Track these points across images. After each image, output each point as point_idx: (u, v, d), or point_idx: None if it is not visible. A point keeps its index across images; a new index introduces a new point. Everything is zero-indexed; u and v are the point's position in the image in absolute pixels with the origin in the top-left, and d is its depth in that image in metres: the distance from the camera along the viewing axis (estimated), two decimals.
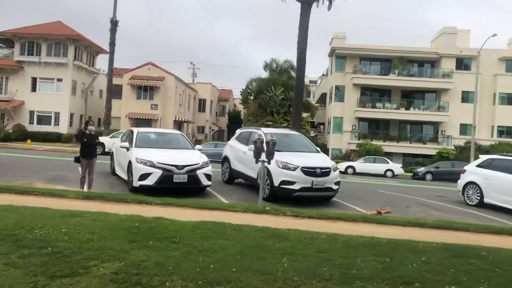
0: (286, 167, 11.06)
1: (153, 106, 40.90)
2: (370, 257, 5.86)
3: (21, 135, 36.59)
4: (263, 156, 10.10)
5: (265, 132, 11.78)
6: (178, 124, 44.84)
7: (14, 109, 38.88)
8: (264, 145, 10.14)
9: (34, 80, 39.78)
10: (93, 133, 10.88)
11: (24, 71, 39.58)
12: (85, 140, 10.57)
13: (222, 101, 61.17)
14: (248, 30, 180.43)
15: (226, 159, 14.18)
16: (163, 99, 41.35)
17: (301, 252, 5.91)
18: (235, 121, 53.45)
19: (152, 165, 11.05)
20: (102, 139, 25.14)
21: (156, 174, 10.97)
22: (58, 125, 39.35)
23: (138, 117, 40.18)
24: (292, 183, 10.98)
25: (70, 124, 40.07)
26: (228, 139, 53.05)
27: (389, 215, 10.66)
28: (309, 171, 11.07)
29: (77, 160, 10.66)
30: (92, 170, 10.73)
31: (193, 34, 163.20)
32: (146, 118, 40.18)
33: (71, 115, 40.33)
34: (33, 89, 39.77)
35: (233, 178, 13.91)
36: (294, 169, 11.03)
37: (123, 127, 38.04)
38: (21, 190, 9.55)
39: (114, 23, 31.85)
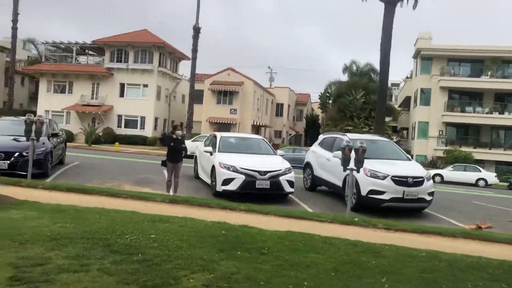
0: (374, 175, 10.44)
1: (232, 110, 41.52)
2: (483, 281, 5.18)
3: (110, 138, 38.77)
4: (352, 164, 9.58)
5: (352, 138, 11.23)
6: (256, 129, 45.15)
7: (104, 113, 41.33)
8: (353, 152, 9.63)
9: (122, 86, 42.03)
10: (179, 137, 11.01)
11: (113, 78, 41.97)
12: (171, 144, 10.72)
13: (300, 105, 60.77)
14: (326, 33, 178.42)
15: (308, 166, 13.77)
16: (241, 103, 41.87)
17: (401, 271, 5.38)
18: (312, 126, 52.83)
19: (235, 170, 10.96)
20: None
21: (239, 179, 10.86)
22: (143, 128, 41.21)
23: (218, 122, 41.00)
24: (381, 192, 10.33)
25: (155, 128, 41.81)
26: (306, 143, 52.71)
27: (491, 230, 9.65)
28: (400, 180, 10.35)
29: (163, 163, 10.84)
30: (178, 174, 10.86)
31: (271, 39, 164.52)
32: (225, 122, 40.89)
33: (156, 119, 42.08)
34: (121, 94, 42.02)
35: (315, 185, 13.46)
36: (384, 178, 10.38)
37: (203, 131, 38.97)
38: (111, 192, 9.85)
39: (196, 30, 32.74)
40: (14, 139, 11.97)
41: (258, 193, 11.11)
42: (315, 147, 13.92)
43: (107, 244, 5.44)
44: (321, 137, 14.21)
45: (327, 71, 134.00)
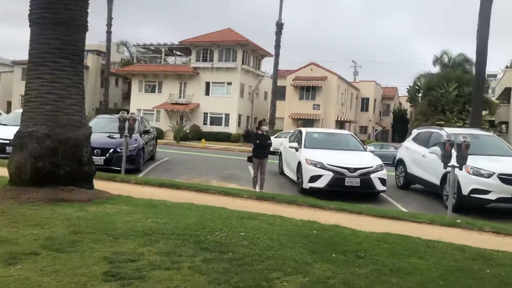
0: (478, 173, 9.48)
1: (315, 106, 40.86)
2: None
3: (197, 134, 40.01)
4: (453, 161, 8.74)
5: (452, 133, 10.30)
6: (340, 124, 44.08)
7: (191, 112, 42.72)
8: (454, 148, 8.78)
9: (207, 84, 43.15)
10: (265, 133, 10.83)
11: (199, 77, 43.22)
12: (257, 141, 10.56)
13: (386, 99, 58.36)
14: (414, 23, 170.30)
15: (400, 162, 12.94)
16: (325, 98, 41.07)
17: None
18: (400, 121, 50.48)
19: (323, 167, 10.55)
20: None
21: (327, 176, 10.44)
22: (228, 125, 42.00)
23: (301, 117, 40.56)
24: (486, 192, 9.35)
25: (238, 125, 42.43)
26: (393, 139, 50.49)
27: None
28: (508, 179, 9.29)
29: (249, 160, 10.74)
30: (264, 170, 10.69)
31: (355, 32, 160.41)
32: (308, 118, 40.35)
33: (239, 116, 42.68)
34: (207, 92, 43.16)
35: (408, 183, 12.61)
36: (489, 176, 9.38)
37: (286, 128, 38.81)
38: (199, 187, 9.90)
39: (279, 26, 32.57)
40: (109, 136, 12.56)
41: (347, 191, 10.61)
42: (409, 143, 13.05)
43: (197, 241, 5.33)
44: (415, 132, 13.29)
45: (415, 63, 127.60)
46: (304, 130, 12.94)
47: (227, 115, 42.24)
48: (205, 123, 42.74)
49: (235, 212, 7.09)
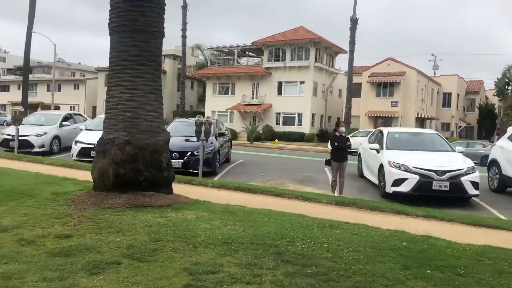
0: None
1: (393, 103, 39.13)
2: None
3: (270, 135, 39.99)
4: None
5: None
6: (420, 121, 41.93)
7: (263, 112, 42.80)
8: None
9: (279, 84, 42.98)
10: (343, 134, 10.34)
11: (271, 77, 43.18)
12: (335, 143, 10.09)
13: (471, 93, 54.59)
14: (498, 11, 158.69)
15: (494, 163, 11.83)
16: (403, 95, 39.22)
17: None
18: (487, 116, 47.08)
19: (407, 170, 9.86)
20: None
21: (412, 180, 9.73)
22: (301, 125, 41.55)
23: (378, 115, 39.09)
24: None
25: (312, 124, 41.83)
26: (480, 136, 47.16)
27: None
28: None
29: (327, 163, 10.29)
30: (343, 173, 10.20)
31: (434, 24, 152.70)
32: (386, 116, 38.77)
33: (313, 115, 42.05)
34: (279, 92, 42.99)
35: (504, 186, 11.49)
36: None
37: (362, 126, 37.59)
38: (276, 192, 9.64)
39: (354, 21, 31.62)
40: (186, 140, 12.72)
41: (435, 195, 9.84)
42: (504, 142, 11.89)
43: (277, 251, 5.07)
44: (510, 130, 12.09)
45: (503, 54, 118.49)
46: (385, 130, 12.24)
47: (300, 115, 41.79)
48: (277, 123, 42.61)
49: (316, 220, 6.74)
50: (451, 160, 10.30)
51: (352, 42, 32.70)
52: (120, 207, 6.70)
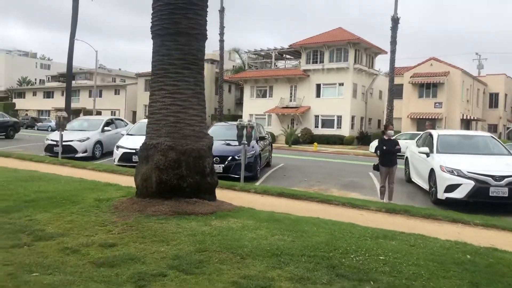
0: None
1: (437, 104, 37.73)
2: None
3: (308, 138, 39.46)
4: None
5: None
6: (466, 123, 40.31)
7: (301, 115, 42.32)
8: None
9: (318, 86, 42.39)
10: (392, 138, 9.84)
11: (309, 79, 42.65)
12: (384, 147, 9.61)
13: None
14: None
15: None
16: (447, 96, 37.77)
17: None
18: None
19: (461, 175, 9.28)
20: None
21: (467, 185, 9.14)
22: (340, 127, 40.80)
23: (420, 117, 37.83)
24: None
25: (352, 127, 41.00)
26: None
27: None
28: None
29: (376, 168, 9.81)
30: (393, 179, 9.69)
31: (478, 21, 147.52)
32: (429, 117, 37.45)
33: (352, 118, 41.22)
34: (317, 95, 42.40)
35: None
36: None
37: (404, 129, 36.51)
38: (321, 198, 9.29)
39: (395, 21, 30.75)
40: (226, 144, 12.53)
41: (493, 202, 9.21)
42: None
43: (330, 264, 4.74)
44: None
45: None
46: (435, 132, 11.63)
47: (339, 117, 41.04)
48: (316, 126, 42.01)
49: (368, 229, 6.34)
50: (509, 164, 9.63)
51: (393, 42, 31.80)
52: (164, 215, 6.53)
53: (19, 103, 69.86)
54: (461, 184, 9.22)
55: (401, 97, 38.53)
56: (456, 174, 9.34)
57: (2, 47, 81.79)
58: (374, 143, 28.25)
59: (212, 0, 7.65)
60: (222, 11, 40.98)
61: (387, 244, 5.60)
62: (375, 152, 10.07)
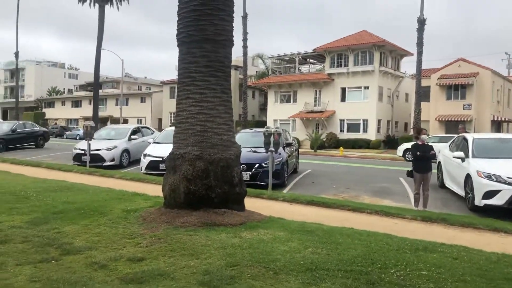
0: None
1: (466, 106, 36.71)
2: None
3: (334, 142, 38.98)
4: None
5: None
6: (497, 125, 39.10)
7: (326, 119, 41.87)
8: None
9: (343, 90, 41.90)
10: (425, 143, 9.45)
11: (334, 83, 42.19)
12: (417, 153, 9.22)
13: None
14: None
15: None
16: (477, 97, 36.71)
17: None
18: None
19: (501, 180, 8.83)
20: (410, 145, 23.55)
21: (508, 191, 8.70)
22: (366, 131, 40.17)
23: (449, 119, 36.87)
24: None
25: (378, 130, 40.32)
26: None
27: None
28: None
29: (409, 174, 9.42)
30: (427, 186, 9.29)
31: (507, 20, 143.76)
32: (458, 120, 36.47)
33: (378, 121, 40.54)
34: (342, 98, 41.89)
35: None
36: None
37: (432, 132, 35.63)
38: (352, 206, 8.98)
39: (421, 22, 30.10)
40: (253, 151, 12.33)
41: None
42: None
43: (370, 280, 4.46)
44: None
45: None
46: (469, 136, 11.15)
47: (365, 121, 40.43)
48: (341, 130, 41.48)
49: (406, 240, 6.02)
50: None
51: (420, 44, 31.11)
52: (192, 226, 6.36)
53: (49, 113, 71.50)
54: (500, 190, 8.77)
55: (429, 99, 37.65)
56: (494, 179, 8.90)
57: (32, 58, 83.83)
58: (402, 147, 27.78)
59: (234, 7, 7.45)
60: (245, 17, 40.97)
61: (428, 257, 5.28)
62: (403, 156, 9.71)
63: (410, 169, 9.41)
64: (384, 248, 5.60)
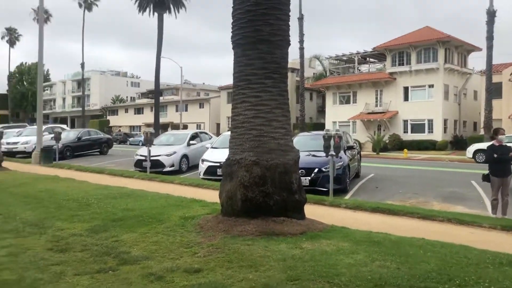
0: None
1: None
2: None
3: (397, 144, 37.51)
4: None
5: None
6: None
7: (389, 120, 40.43)
8: None
9: (405, 89, 40.30)
10: (504, 144, 8.60)
11: (396, 82, 40.68)
12: (495, 155, 8.40)
13: None
14: None
15: None
16: None
17: None
18: None
19: None
20: (481, 145, 21.96)
21: None
22: (431, 132, 38.34)
23: None
24: None
25: (444, 131, 38.33)
26: None
27: None
28: None
29: (485, 178, 8.61)
30: (507, 191, 8.44)
31: None
32: None
33: (445, 121, 38.56)
34: (405, 98, 40.29)
35: None
36: None
37: (506, 131, 33.22)
38: (422, 213, 8.36)
39: (491, 14, 28.23)
40: (312, 155, 11.91)
41: None
42: None
43: None
44: None
45: None
46: None
47: (430, 121, 38.58)
48: (405, 131, 39.85)
49: (487, 253, 5.40)
50: None
51: (489, 38, 29.17)
52: (250, 235, 6.09)
53: (113, 120, 74.74)
54: None
55: (500, 97, 35.22)
56: None
57: (97, 68, 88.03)
58: (472, 148, 26.09)
59: (290, 6, 7.13)
60: (301, 18, 40.50)
61: (503, 273, 4.66)
62: (473, 157, 8.88)
63: (486, 172, 8.59)
64: (462, 262, 5.03)
